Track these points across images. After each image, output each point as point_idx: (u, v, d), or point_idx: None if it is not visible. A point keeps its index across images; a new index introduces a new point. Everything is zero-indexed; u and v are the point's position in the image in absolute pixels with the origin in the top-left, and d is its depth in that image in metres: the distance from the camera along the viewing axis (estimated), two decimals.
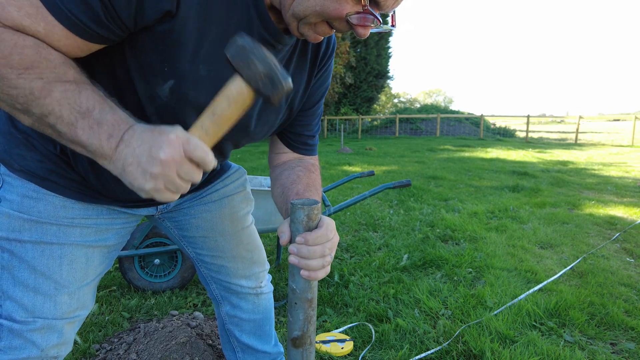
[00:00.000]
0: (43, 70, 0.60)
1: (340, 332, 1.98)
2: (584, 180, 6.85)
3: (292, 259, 0.73)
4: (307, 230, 0.73)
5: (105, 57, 0.73)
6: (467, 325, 1.98)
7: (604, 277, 2.62)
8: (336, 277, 2.57)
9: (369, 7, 0.70)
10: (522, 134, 21.72)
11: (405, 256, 2.99)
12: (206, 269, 1.22)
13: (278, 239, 2.87)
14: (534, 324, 2.06)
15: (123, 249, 2.25)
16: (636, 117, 16.50)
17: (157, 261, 2.36)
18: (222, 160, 1.02)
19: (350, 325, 2.04)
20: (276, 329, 1.97)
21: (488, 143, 16.14)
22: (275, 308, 2.13)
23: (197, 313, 2.07)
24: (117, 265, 2.54)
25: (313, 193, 0.91)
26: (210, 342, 1.82)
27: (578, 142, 17.96)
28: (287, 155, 1.07)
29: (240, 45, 0.62)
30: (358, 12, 0.70)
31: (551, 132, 27.53)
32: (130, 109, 0.68)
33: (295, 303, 0.77)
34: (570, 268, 2.79)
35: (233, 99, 0.64)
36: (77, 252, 0.89)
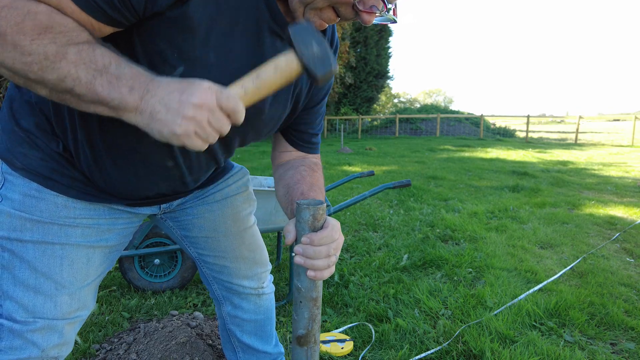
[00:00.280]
0: (56, 35, 0.60)
1: (340, 332, 1.98)
2: (584, 180, 6.85)
3: (298, 259, 0.74)
4: (312, 231, 0.74)
5: (113, 46, 0.73)
6: (467, 325, 1.98)
7: (604, 277, 2.62)
8: (336, 277, 2.57)
9: None
10: (522, 134, 21.72)
11: (405, 256, 2.99)
12: (208, 269, 1.22)
13: (278, 238, 2.88)
14: (534, 324, 2.06)
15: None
16: (636, 117, 16.50)
17: (157, 261, 2.36)
18: (228, 156, 1.02)
19: (350, 325, 2.04)
20: (276, 329, 1.97)
21: (488, 143, 16.14)
22: (275, 308, 2.13)
23: (197, 313, 2.07)
24: (117, 265, 2.54)
25: (317, 192, 0.92)
26: (210, 342, 1.82)
27: (578, 142, 17.96)
28: (291, 154, 1.08)
29: (304, 26, 0.70)
30: None
31: (551, 132, 27.53)
32: None
33: (301, 302, 0.77)
34: (570, 268, 2.79)
35: (281, 68, 0.69)
36: (78, 253, 0.89)
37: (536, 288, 2.43)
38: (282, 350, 1.39)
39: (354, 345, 1.87)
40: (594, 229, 3.83)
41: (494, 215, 4.37)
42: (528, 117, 18.91)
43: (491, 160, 9.99)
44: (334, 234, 0.75)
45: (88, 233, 0.91)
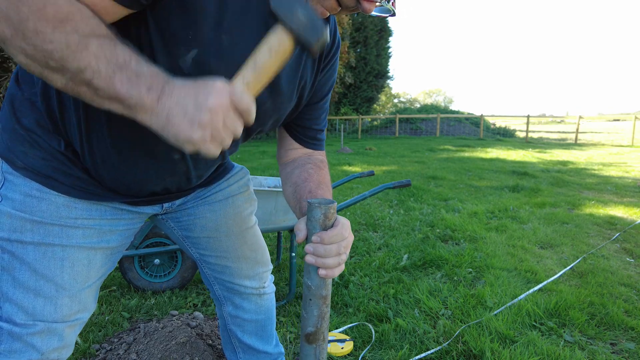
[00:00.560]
0: (78, 23, 0.59)
1: (340, 332, 1.98)
2: (584, 180, 6.85)
3: (309, 258, 0.74)
4: (323, 229, 0.75)
5: (126, 29, 0.72)
6: (467, 325, 1.98)
7: (604, 277, 2.62)
8: (336, 277, 2.57)
9: None
10: (522, 134, 21.72)
11: (405, 256, 2.99)
12: (209, 270, 1.22)
13: (278, 238, 2.88)
14: (534, 324, 2.06)
15: None
16: (636, 117, 16.50)
17: (157, 261, 2.36)
18: (233, 150, 1.01)
19: (350, 325, 2.04)
20: (276, 329, 1.97)
21: (488, 143, 16.14)
22: (275, 308, 2.13)
23: (197, 313, 2.07)
24: (117, 265, 2.54)
25: (325, 190, 0.93)
26: (210, 342, 1.82)
27: (578, 142, 17.96)
28: (297, 151, 1.08)
29: None
30: None
31: (551, 132, 27.54)
32: None
33: (310, 299, 0.78)
34: (570, 268, 2.79)
35: (274, 49, 0.66)
36: (79, 254, 0.89)
37: (536, 288, 2.43)
38: (282, 350, 1.39)
39: (354, 345, 1.87)
40: (594, 229, 3.83)
41: (494, 215, 4.37)
42: (528, 117, 18.91)
43: (491, 160, 9.99)
44: (344, 232, 0.76)
45: (89, 234, 0.90)
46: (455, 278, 2.60)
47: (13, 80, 0.86)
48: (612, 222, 4.02)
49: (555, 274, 2.68)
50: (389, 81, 26.64)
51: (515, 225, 3.94)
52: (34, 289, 0.84)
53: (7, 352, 0.84)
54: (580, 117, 19.28)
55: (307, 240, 0.76)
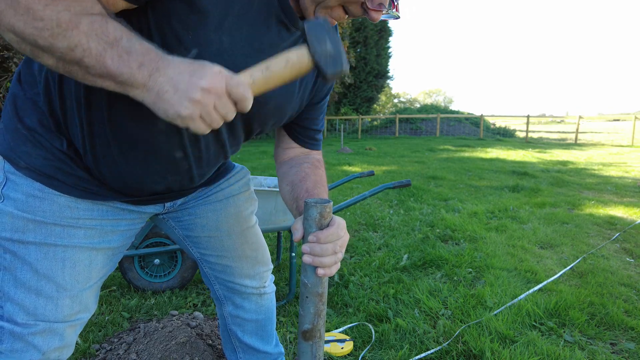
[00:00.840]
0: (70, 2, 0.59)
1: (340, 332, 1.98)
2: (584, 180, 6.86)
3: (306, 258, 0.75)
4: (319, 228, 0.76)
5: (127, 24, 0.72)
6: (467, 325, 1.98)
7: (603, 277, 2.62)
8: (336, 277, 2.57)
9: None
10: (522, 134, 21.72)
11: (405, 256, 2.99)
12: (210, 269, 1.22)
13: (278, 238, 2.88)
14: (534, 324, 2.06)
15: None
16: (636, 117, 16.50)
17: (157, 261, 2.36)
18: (235, 149, 1.01)
19: (350, 325, 2.04)
20: (276, 329, 1.97)
21: (488, 143, 16.14)
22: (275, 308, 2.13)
23: (197, 313, 2.07)
24: (117, 265, 2.54)
25: (321, 190, 0.94)
26: (210, 342, 1.82)
27: (578, 142, 17.97)
28: (294, 150, 1.09)
29: (320, 22, 0.71)
30: None
31: (551, 132, 27.54)
32: None
33: (307, 297, 0.79)
34: (570, 268, 2.79)
35: (292, 62, 0.69)
36: (81, 255, 0.89)
37: (536, 288, 2.43)
38: (282, 350, 1.39)
39: (354, 345, 1.87)
40: (594, 229, 3.83)
41: (494, 215, 4.38)
42: (528, 117, 18.92)
43: (491, 160, 10.00)
44: (339, 231, 0.77)
45: (91, 234, 0.90)
46: (455, 278, 2.61)
47: (15, 80, 0.86)
48: (612, 222, 4.02)
49: (555, 274, 2.69)
50: (389, 81, 26.67)
51: (515, 225, 3.94)
52: (36, 289, 0.84)
53: (8, 352, 0.85)
54: (580, 117, 19.28)
55: (304, 239, 0.78)
